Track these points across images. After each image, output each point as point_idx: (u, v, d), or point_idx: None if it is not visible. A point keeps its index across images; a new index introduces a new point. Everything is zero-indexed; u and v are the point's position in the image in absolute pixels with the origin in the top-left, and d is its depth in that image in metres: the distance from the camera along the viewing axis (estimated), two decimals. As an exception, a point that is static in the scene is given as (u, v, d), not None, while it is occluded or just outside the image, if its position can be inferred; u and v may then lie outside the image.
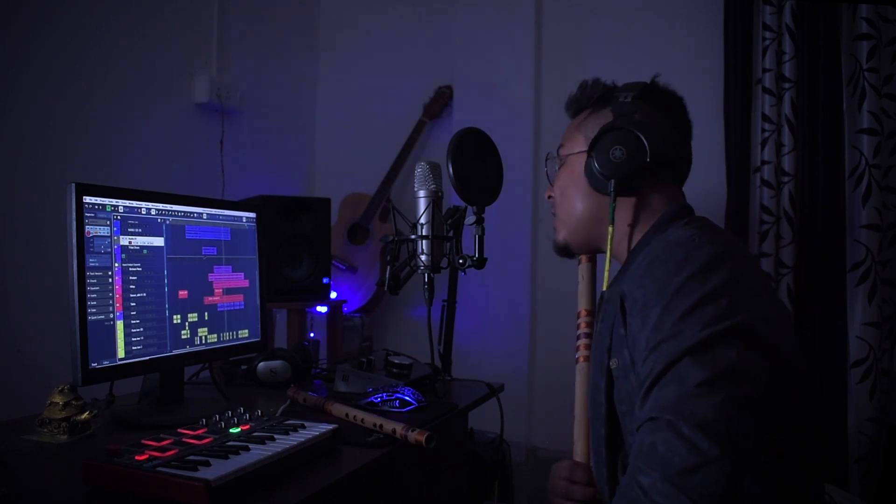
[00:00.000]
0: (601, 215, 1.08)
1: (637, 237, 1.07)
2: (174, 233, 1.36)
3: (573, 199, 1.12)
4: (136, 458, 0.94)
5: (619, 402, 0.97)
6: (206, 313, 1.44)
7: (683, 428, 0.76)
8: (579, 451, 1.12)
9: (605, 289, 1.07)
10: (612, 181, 1.03)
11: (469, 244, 1.55)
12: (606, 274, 1.07)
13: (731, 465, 0.74)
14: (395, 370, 1.54)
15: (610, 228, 1.05)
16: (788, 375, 0.85)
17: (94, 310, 1.18)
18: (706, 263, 0.87)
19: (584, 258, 1.23)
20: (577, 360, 1.17)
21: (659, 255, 0.93)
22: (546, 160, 1.21)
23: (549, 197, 1.19)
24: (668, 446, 0.76)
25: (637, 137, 1.02)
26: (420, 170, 1.52)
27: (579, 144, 1.11)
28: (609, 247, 1.05)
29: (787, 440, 0.81)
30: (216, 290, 1.47)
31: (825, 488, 1.27)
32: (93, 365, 1.18)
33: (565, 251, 1.17)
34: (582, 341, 1.17)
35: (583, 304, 1.21)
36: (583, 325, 1.19)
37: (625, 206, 1.07)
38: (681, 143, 1.10)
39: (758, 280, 0.94)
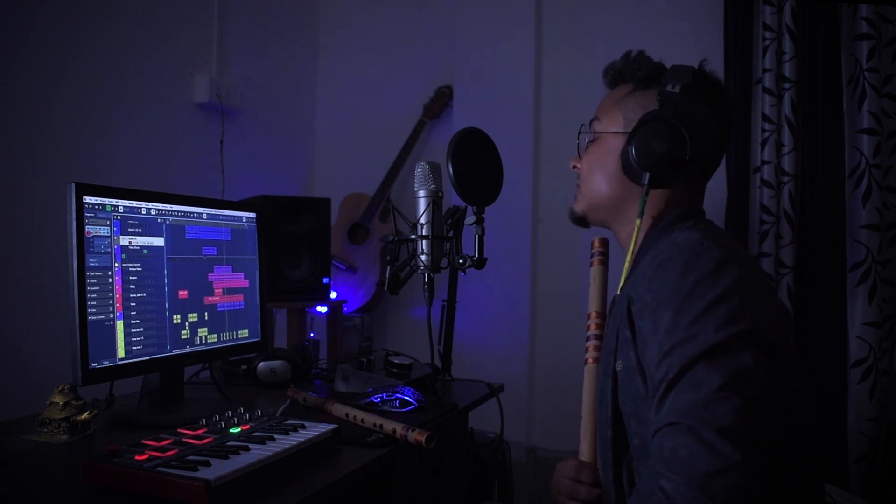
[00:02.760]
0: (625, 201, 1.07)
1: (645, 234, 1.06)
2: (174, 233, 1.36)
3: (599, 178, 1.09)
4: (136, 458, 0.94)
5: (624, 405, 0.97)
6: (206, 313, 1.44)
7: (704, 433, 0.76)
8: (585, 451, 1.12)
9: (619, 290, 1.06)
10: (647, 174, 1.00)
11: (469, 244, 1.54)
12: (627, 267, 1.05)
13: (752, 468, 0.74)
14: (395, 370, 1.54)
15: (637, 222, 1.03)
16: (792, 377, 0.86)
17: (94, 310, 1.18)
18: (715, 266, 0.87)
19: (595, 261, 1.22)
20: (585, 361, 1.17)
21: (667, 259, 0.92)
22: (579, 132, 1.16)
23: (574, 167, 1.16)
24: (690, 451, 0.76)
25: (681, 133, 0.99)
26: (420, 170, 1.52)
27: (617, 124, 1.08)
28: (634, 239, 1.03)
29: (792, 441, 0.82)
30: (216, 290, 1.47)
31: (825, 488, 1.27)
32: (93, 365, 1.18)
33: (581, 222, 1.16)
34: (591, 343, 1.17)
35: (593, 307, 1.20)
36: (592, 326, 1.18)
37: (649, 199, 1.04)
38: (719, 141, 1.07)
39: (763, 282, 0.94)
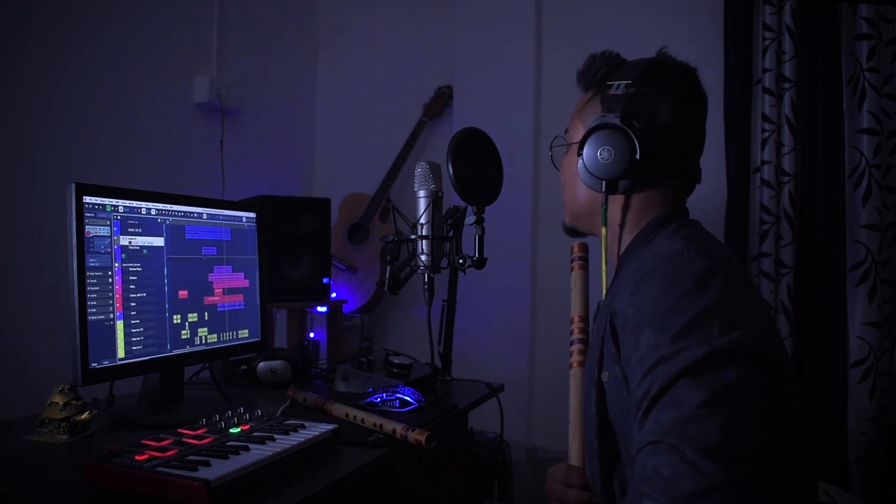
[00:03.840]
0: (597, 208, 1.06)
1: (626, 240, 1.04)
2: (174, 233, 1.36)
3: (573, 188, 1.09)
4: (136, 458, 0.94)
5: (615, 414, 0.96)
6: (206, 313, 1.44)
7: (687, 452, 0.75)
8: (574, 455, 1.11)
9: (604, 295, 1.05)
10: (604, 182, 1.00)
11: (469, 244, 1.55)
12: (604, 276, 1.04)
13: (737, 487, 0.73)
14: (395, 370, 1.54)
15: (603, 230, 1.02)
16: (783, 384, 0.85)
17: (94, 310, 1.18)
18: (697, 280, 0.86)
19: (575, 266, 1.22)
20: (570, 366, 1.17)
21: (649, 271, 0.90)
22: (552, 145, 1.16)
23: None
24: (673, 470, 0.75)
25: (626, 136, 0.98)
26: (420, 170, 1.52)
27: (578, 133, 1.07)
28: (603, 248, 1.03)
29: (786, 448, 0.81)
30: (216, 290, 1.47)
31: (825, 488, 1.27)
32: (93, 365, 1.18)
33: (574, 233, 1.16)
34: (575, 347, 1.17)
35: (576, 311, 1.19)
36: (576, 330, 1.18)
37: (616, 205, 1.04)
38: (690, 129, 1.04)
39: (746, 288, 0.92)
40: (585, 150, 1.01)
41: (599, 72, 1.07)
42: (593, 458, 1.00)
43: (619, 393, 0.92)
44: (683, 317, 0.83)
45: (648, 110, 1.00)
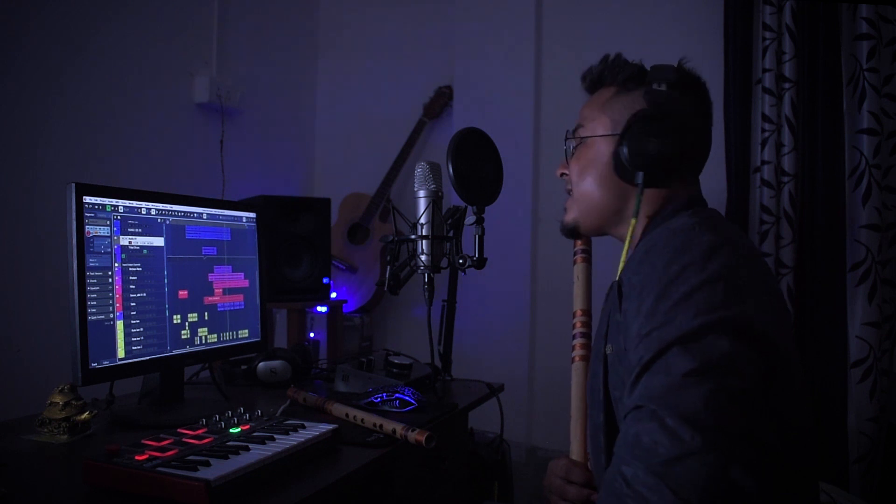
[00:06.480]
0: (619, 203, 1.06)
1: (638, 230, 1.05)
2: (174, 233, 1.36)
3: (592, 183, 1.08)
4: (136, 458, 0.94)
5: (613, 388, 0.97)
6: (206, 313, 1.43)
7: (667, 419, 0.75)
8: (575, 451, 1.12)
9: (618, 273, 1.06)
10: (641, 173, 1.00)
11: (469, 244, 1.54)
12: (622, 265, 1.04)
13: (714, 456, 0.73)
14: (395, 370, 1.54)
15: (633, 221, 1.02)
16: (783, 368, 0.84)
17: (94, 310, 1.18)
18: (704, 252, 0.86)
19: (578, 258, 1.22)
20: (572, 360, 1.17)
21: (658, 243, 0.92)
22: (565, 139, 1.15)
23: (563, 175, 1.15)
24: (652, 437, 0.75)
25: (673, 130, 0.99)
26: (420, 170, 1.52)
27: (604, 127, 1.07)
28: (628, 239, 1.02)
29: (782, 434, 0.80)
30: (216, 290, 1.47)
31: (825, 488, 1.27)
32: (93, 365, 1.17)
33: (573, 232, 1.15)
34: (577, 341, 1.17)
35: (578, 305, 1.20)
36: (578, 324, 1.18)
37: (632, 198, 1.04)
38: (705, 134, 1.07)
39: (757, 271, 0.92)
40: (629, 140, 1.00)
41: (624, 71, 1.08)
42: (598, 433, 1.00)
43: (621, 363, 0.92)
44: (685, 286, 0.83)
45: (682, 108, 1.02)
